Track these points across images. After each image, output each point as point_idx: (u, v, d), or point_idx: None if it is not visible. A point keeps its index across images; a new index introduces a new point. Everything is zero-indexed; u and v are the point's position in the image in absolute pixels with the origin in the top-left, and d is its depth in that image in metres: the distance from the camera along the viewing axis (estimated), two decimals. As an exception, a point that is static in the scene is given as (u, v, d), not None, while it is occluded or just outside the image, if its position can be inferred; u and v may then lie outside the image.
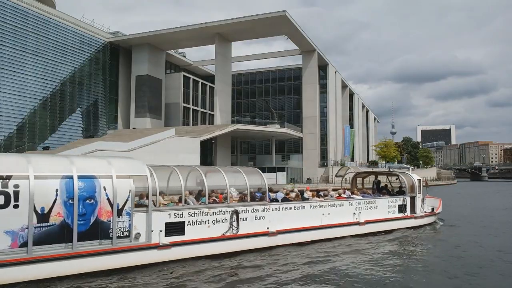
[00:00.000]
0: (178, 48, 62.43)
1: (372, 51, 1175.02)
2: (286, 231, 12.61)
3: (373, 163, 74.49)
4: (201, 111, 64.38)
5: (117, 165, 9.92)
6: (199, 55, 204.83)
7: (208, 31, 50.58)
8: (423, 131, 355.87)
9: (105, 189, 9.30)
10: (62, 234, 8.66)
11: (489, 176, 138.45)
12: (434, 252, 13.23)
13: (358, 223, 14.86)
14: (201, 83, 64.55)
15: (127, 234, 9.54)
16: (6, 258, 8.02)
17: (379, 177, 20.67)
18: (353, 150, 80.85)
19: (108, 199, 9.33)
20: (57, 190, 8.72)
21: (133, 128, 51.35)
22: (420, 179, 17.88)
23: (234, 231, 11.44)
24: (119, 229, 9.43)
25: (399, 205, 16.47)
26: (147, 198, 10.17)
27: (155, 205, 10.44)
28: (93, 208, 9.10)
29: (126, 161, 10.69)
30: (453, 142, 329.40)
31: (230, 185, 12.14)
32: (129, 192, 9.62)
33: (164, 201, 11.66)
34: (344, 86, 77.33)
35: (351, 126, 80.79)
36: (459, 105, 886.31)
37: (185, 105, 60.08)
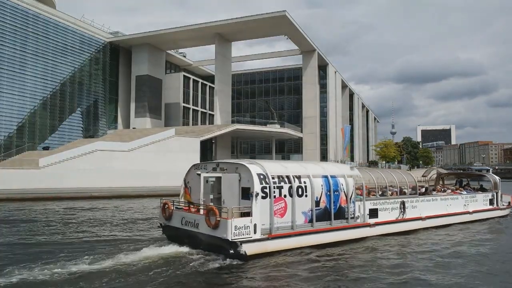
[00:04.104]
0: (178, 48, 62.41)
1: (374, 52, 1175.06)
2: (431, 217, 16.69)
3: (373, 163, 74.45)
4: (201, 111, 64.38)
5: (343, 168, 14.22)
6: (202, 55, 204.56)
7: (208, 31, 50.58)
8: (423, 131, 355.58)
9: (342, 184, 13.23)
10: (325, 214, 12.67)
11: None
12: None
13: (468, 212, 18.86)
14: (201, 83, 64.55)
15: (353, 216, 13.53)
16: (302, 229, 11.93)
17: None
18: (352, 150, 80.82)
19: (344, 191, 13.24)
20: (321, 185, 12.68)
21: (133, 128, 51.36)
22: (499, 179, 22.01)
23: (402, 216, 15.48)
24: (350, 213, 13.39)
25: (489, 199, 20.67)
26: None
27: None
28: (338, 197, 13.08)
29: (345, 166, 15.14)
30: (453, 142, 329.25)
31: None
32: (353, 187, 13.63)
33: None
34: (344, 86, 77.31)
35: (351, 126, 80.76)
36: (460, 106, 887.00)
37: (185, 105, 60.09)
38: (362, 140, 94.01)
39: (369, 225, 14.01)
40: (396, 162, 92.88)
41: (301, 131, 58.75)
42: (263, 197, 11.01)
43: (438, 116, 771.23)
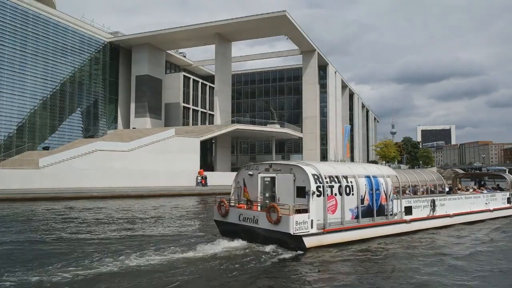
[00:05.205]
0: (178, 48, 62.40)
1: (375, 52, 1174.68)
2: (457, 215, 17.77)
3: (373, 163, 74.44)
4: (201, 111, 64.38)
5: (382, 169, 15.56)
6: (202, 56, 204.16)
7: (208, 31, 50.57)
8: (423, 131, 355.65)
9: (382, 184, 14.22)
10: (368, 211, 13.66)
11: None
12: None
13: (489, 210, 19.94)
14: (201, 83, 64.54)
15: (391, 213, 14.51)
16: (350, 225, 12.96)
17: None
18: (352, 150, 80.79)
19: (384, 190, 14.22)
20: (365, 185, 13.66)
21: (133, 128, 51.35)
22: None
23: (433, 213, 16.51)
24: (389, 210, 14.39)
25: (507, 198, 21.95)
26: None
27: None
28: (379, 196, 14.06)
29: (383, 166, 16.58)
30: (453, 142, 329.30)
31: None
32: (391, 186, 14.63)
33: None
34: (344, 86, 77.29)
35: (351, 126, 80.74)
36: (460, 106, 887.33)
37: (185, 105, 60.08)
38: (362, 140, 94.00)
39: (406, 222, 15.01)
40: (396, 162, 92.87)
41: (301, 131, 58.73)
42: (317, 195, 12.10)
43: (438, 116, 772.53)
